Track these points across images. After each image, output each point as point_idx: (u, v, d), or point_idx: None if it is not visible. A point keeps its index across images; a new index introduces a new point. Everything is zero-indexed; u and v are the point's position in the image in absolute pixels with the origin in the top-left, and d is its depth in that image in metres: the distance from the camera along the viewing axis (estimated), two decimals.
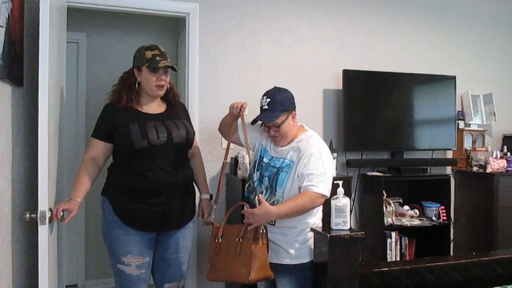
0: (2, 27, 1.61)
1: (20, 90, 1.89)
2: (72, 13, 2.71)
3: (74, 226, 3.55)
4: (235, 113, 2.06)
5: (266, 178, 2.01)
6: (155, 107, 2.12)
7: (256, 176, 2.06)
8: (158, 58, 2.01)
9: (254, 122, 2.05)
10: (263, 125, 2.04)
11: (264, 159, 2.06)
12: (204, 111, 2.99)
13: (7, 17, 1.66)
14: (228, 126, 2.15)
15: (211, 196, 2.30)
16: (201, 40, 2.99)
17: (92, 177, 2.05)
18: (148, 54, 2.02)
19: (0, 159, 1.62)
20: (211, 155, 2.98)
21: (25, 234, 2.00)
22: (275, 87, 2.05)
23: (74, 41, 3.54)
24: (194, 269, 2.95)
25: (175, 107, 2.20)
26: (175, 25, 3.68)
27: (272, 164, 2.03)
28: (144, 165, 1.98)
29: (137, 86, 2.07)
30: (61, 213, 1.81)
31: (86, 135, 3.54)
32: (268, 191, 1.99)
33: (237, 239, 1.84)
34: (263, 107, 1.99)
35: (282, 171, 1.97)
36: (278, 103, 1.96)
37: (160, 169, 2.00)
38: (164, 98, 2.17)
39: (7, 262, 1.70)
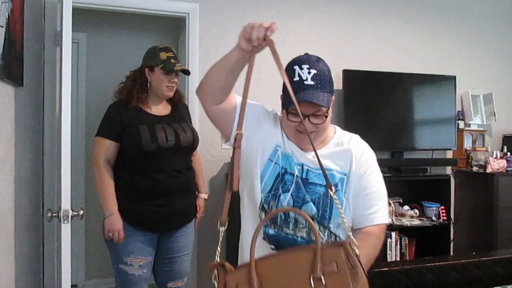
0: (2, 27, 1.61)
1: (20, 90, 1.90)
2: (72, 13, 2.71)
3: (74, 226, 3.55)
4: (256, 38, 1.09)
5: (311, 203, 1.20)
6: (161, 108, 2.14)
7: (286, 200, 1.20)
8: (173, 60, 2.06)
9: (286, 105, 1.21)
10: (290, 113, 1.22)
11: (294, 172, 1.23)
12: (203, 111, 2.98)
13: (7, 17, 1.66)
14: (231, 73, 1.19)
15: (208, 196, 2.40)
16: (201, 40, 2.99)
17: (113, 181, 2.03)
18: (163, 55, 2.06)
19: (0, 160, 1.62)
20: (210, 155, 2.98)
21: (27, 234, 2.00)
22: (309, 55, 1.26)
23: (74, 41, 3.54)
24: (194, 268, 2.95)
25: (180, 109, 2.23)
26: (175, 25, 3.68)
27: (311, 180, 1.22)
28: (151, 167, 1.98)
29: (148, 86, 2.09)
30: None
31: (86, 135, 3.53)
32: (317, 224, 1.19)
33: (310, 278, 0.93)
34: (305, 82, 1.17)
35: (337, 190, 1.21)
36: (327, 79, 1.20)
37: (166, 171, 2.00)
38: (169, 99, 2.19)
39: (8, 263, 1.70)
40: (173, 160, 2.03)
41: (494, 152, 3.46)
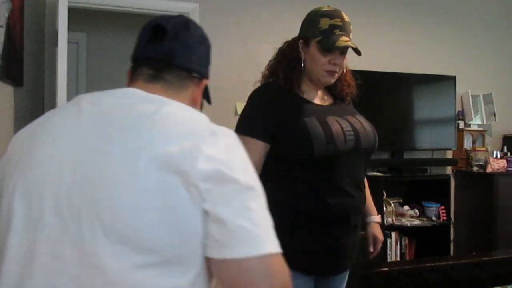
0: (2, 27, 1.61)
1: (20, 90, 1.90)
2: (72, 13, 2.72)
3: None
4: None
5: None
6: (321, 97, 1.53)
7: None
8: (337, 32, 1.42)
9: None
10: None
11: None
12: (203, 111, 2.98)
13: (7, 17, 1.66)
14: None
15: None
16: None
17: None
18: (325, 23, 1.43)
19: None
20: None
21: None
22: None
23: (74, 41, 3.54)
24: None
25: (346, 104, 1.61)
26: None
27: None
28: (321, 180, 1.38)
29: (302, 65, 1.47)
30: None
31: None
32: None
33: None
34: None
35: None
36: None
37: (340, 188, 1.38)
38: (329, 89, 1.56)
39: None
40: (349, 171, 1.41)
41: (494, 152, 3.46)
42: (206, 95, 0.98)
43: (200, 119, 0.78)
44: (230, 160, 0.69)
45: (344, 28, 1.43)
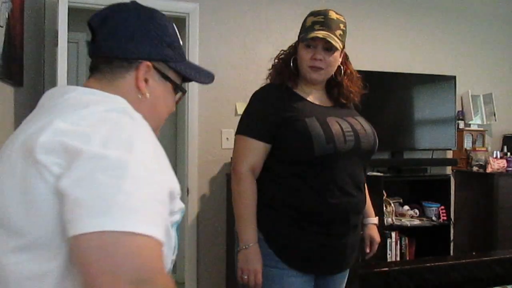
0: (2, 27, 1.61)
1: (20, 90, 1.90)
2: (72, 13, 2.72)
3: None
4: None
5: None
6: (319, 97, 1.55)
7: None
8: (317, 27, 1.43)
9: None
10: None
11: None
12: (203, 111, 2.99)
13: (7, 17, 1.66)
14: None
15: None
16: (201, 40, 2.99)
17: (256, 199, 1.43)
18: (309, 21, 1.49)
19: None
20: (211, 155, 2.98)
21: None
22: None
23: (74, 41, 3.54)
24: (193, 272, 2.95)
25: (346, 106, 1.62)
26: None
27: None
28: (322, 181, 1.40)
29: (291, 64, 1.54)
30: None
31: None
32: None
33: None
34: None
35: None
36: None
37: (339, 187, 1.40)
38: (330, 92, 1.58)
39: None
40: (348, 171, 1.43)
41: (494, 152, 3.46)
42: (180, 76, 0.92)
43: (92, 100, 0.73)
44: (86, 132, 0.63)
45: (325, 24, 1.43)
